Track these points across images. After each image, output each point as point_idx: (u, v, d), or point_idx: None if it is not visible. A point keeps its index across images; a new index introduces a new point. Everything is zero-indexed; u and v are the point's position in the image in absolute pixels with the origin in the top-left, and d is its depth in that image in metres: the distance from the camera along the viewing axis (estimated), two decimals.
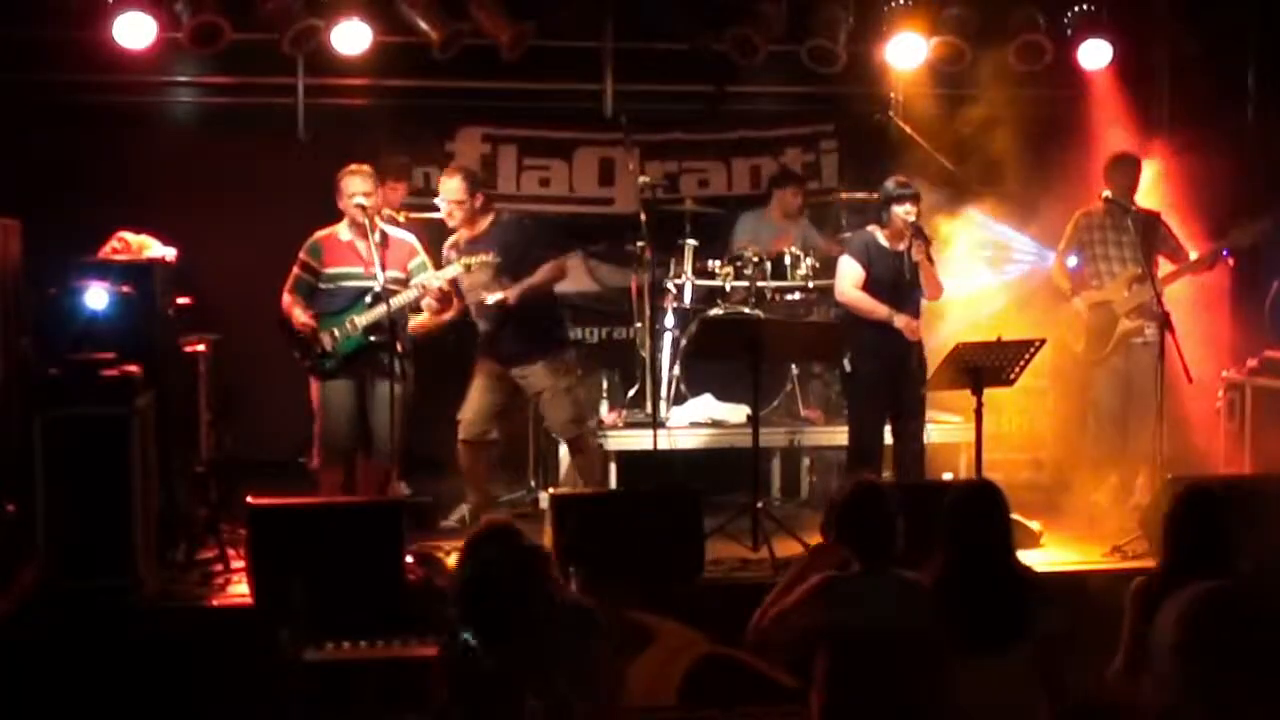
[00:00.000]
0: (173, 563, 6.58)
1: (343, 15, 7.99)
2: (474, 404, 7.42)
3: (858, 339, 7.40)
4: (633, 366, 8.43)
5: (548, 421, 7.62)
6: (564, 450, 7.94)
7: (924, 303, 7.45)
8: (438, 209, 8.85)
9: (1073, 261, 7.97)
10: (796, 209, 9.04)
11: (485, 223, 7.32)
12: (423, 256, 7.22)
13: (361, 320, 6.94)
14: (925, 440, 7.56)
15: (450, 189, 7.24)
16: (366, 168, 7.09)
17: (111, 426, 6.03)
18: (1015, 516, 6.80)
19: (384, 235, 6.99)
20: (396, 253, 7.05)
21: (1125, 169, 7.86)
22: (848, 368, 7.55)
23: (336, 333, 6.97)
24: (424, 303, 7.10)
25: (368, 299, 6.93)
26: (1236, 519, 4.33)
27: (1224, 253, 7.92)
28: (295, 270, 7.07)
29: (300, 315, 6.97)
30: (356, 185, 6.95)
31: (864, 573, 4.34)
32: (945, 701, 4.17)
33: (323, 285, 7.05)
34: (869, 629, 4.20)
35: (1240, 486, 6.57)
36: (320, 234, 7.10)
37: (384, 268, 6.86)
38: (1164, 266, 7.84)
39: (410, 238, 7.27)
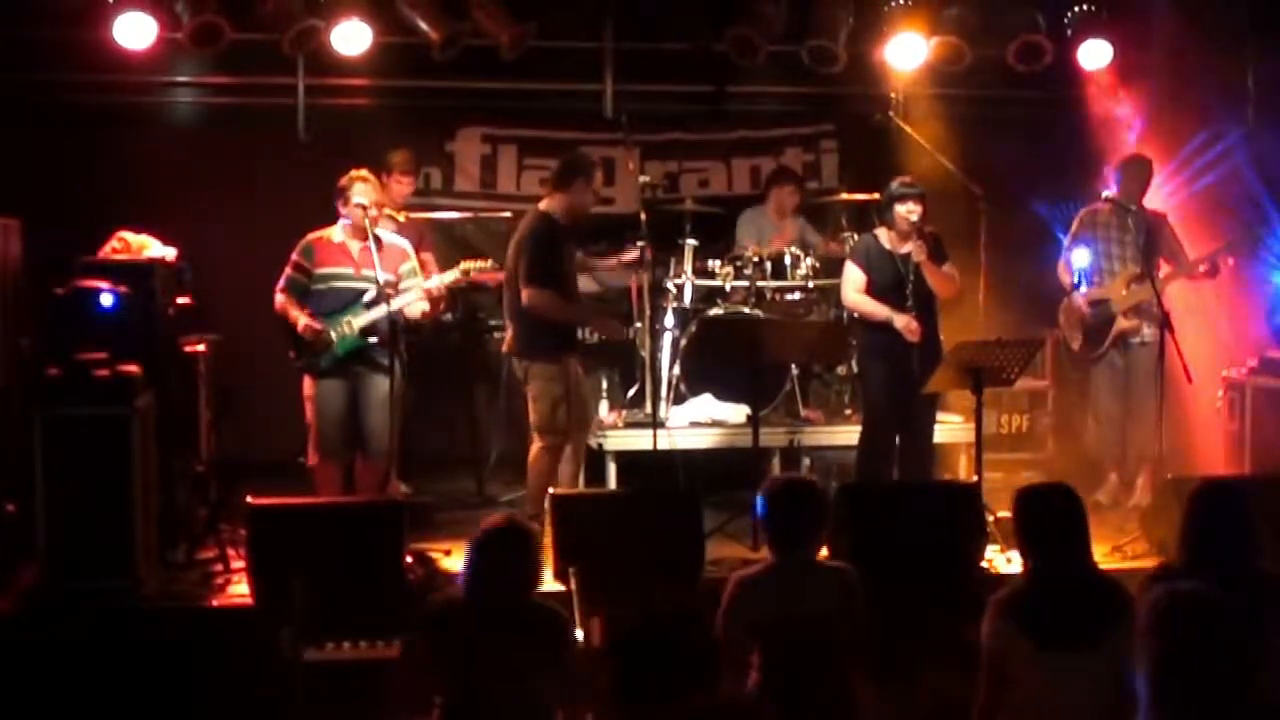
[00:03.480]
0: (173, 563, 6.58)
1: (343, 15, 7.99)
2: (571, 402, 7.23)
3: (864, 341, 7.49)
4: (633, 366, 8.42)
5: (591, 416, 7.60)
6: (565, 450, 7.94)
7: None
8: (438, 208, 8.90)
9: (1085, 259, 7.97)
10: (792, 207, 9.05)
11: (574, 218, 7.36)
12: (413, 262, 7.21)
13: (358, 322, 6.95)
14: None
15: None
16: (373, 177, 7.11)
17: (111, 426, 6.04)
18: None
19: (378, 240, 6.98)
20: (389, 257, 7.05)
21: (1137, 171, 7.88)
22: (854, 369, 7.58)
23: (333, 333, 6.97)
24: (410, 308, 7.08)
25: (365, 299, 6.94)
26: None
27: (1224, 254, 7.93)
28: (288, 271, 7.06)
29: (302, 318, 6.94)
30: (364, 193, 6.93)
31: (775, 566, 4.58)
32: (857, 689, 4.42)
33: (315, 286, 7.04)
34: (774, 617, 4.42)
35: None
36: (313, 235, 7.10)
37: (375, 269, 6.87)
38: (1165, 269, 7.85)
39: (404, 243, 7.26)
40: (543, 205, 7.24)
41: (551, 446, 7.24)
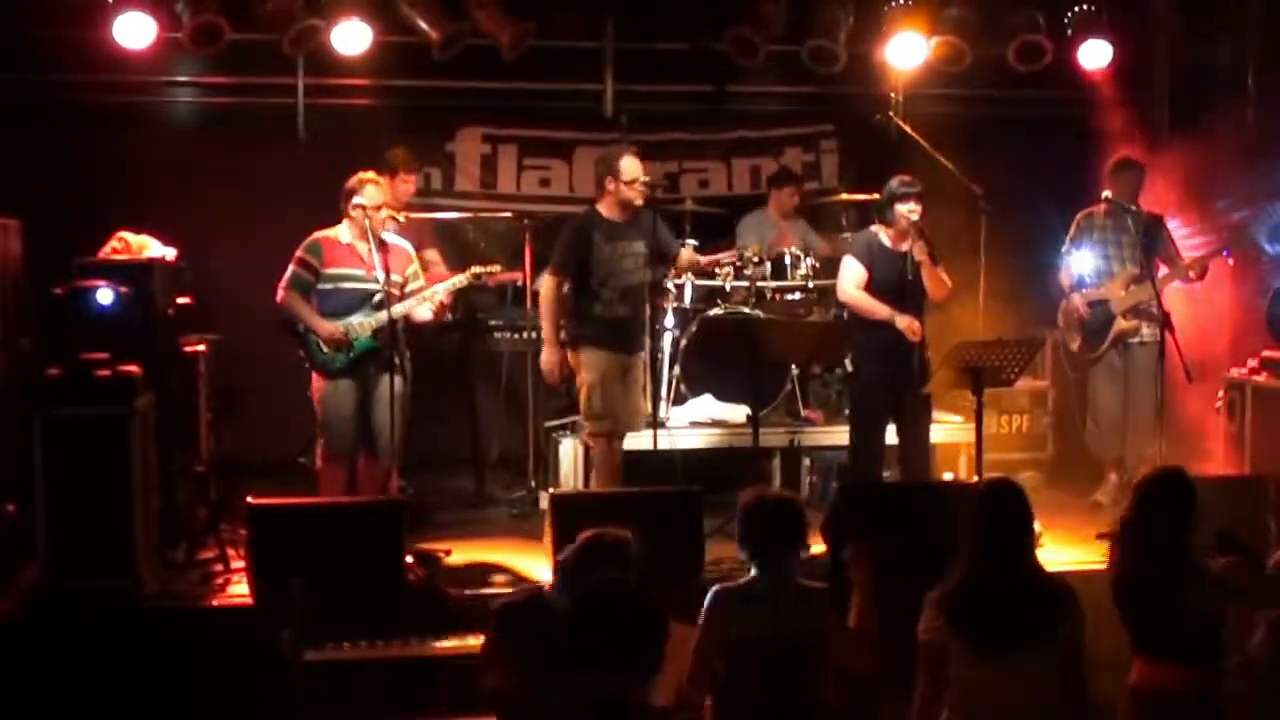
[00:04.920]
0: (173, 563, 6.58)
1: (343, 15, 7.99)
2: (617, 396, 7.19)
3: (859, 340, 7.41)
4: None
5: (635, 413, 7.41)
6: (564, 450, 7.93)
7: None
8: (438, 208, 8.88)
9: (1085, 261, 7.98)
10: (793, 208, 9.05)
11: (632, 211, 7.24)
12: (416, 265, 7.21)
13: (370, 323, 6.93)
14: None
15: (638, 168, 7.18)
16: (383, 180, 7.09)
17: (111, 426, 6.05)
18: None
19: (383, 242, 6.98)
20: (395, 259, 7.04)
21: (1127, 174, 7.86)
22: (849, 368, 7.56)
23: (350, 330, 6.96)
24: (418, 312, 7.07)
25: (374, 301, 6.92)
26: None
27: (1224, 253, 7.94)
28: (293, 268, 7.00)
29: (323, 325, 6.92)
30: (369, 195, 6.91)
31: (754, 582, 4.50)
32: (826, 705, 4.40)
33: (321, 285, 7.00)
34: (755, 636, 4.36)
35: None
36: (320, 234, 7.06)
37: (385, 272, 6.87)
38: (1162, 270, 7.86)
39: (406, 245, 7.24)
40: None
41: (597, 434, 7.28)
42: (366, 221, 6.86)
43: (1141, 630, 4.48)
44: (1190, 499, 4.56)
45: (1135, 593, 4.50)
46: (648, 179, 7.21)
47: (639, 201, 7.16)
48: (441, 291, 7.07)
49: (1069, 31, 8.69)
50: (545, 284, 7.23)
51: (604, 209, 7.22)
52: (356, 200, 6.91)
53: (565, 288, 7.20)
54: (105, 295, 6.42)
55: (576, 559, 4.34)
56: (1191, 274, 7.84)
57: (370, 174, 7.04)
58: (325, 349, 6.94)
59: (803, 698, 4.36)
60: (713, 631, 4.42)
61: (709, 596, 4.49)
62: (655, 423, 7.79)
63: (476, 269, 7.19)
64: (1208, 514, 4.65)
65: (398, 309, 6.88)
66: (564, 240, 7.24)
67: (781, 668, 4.33)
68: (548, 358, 7.25)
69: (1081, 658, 4.23)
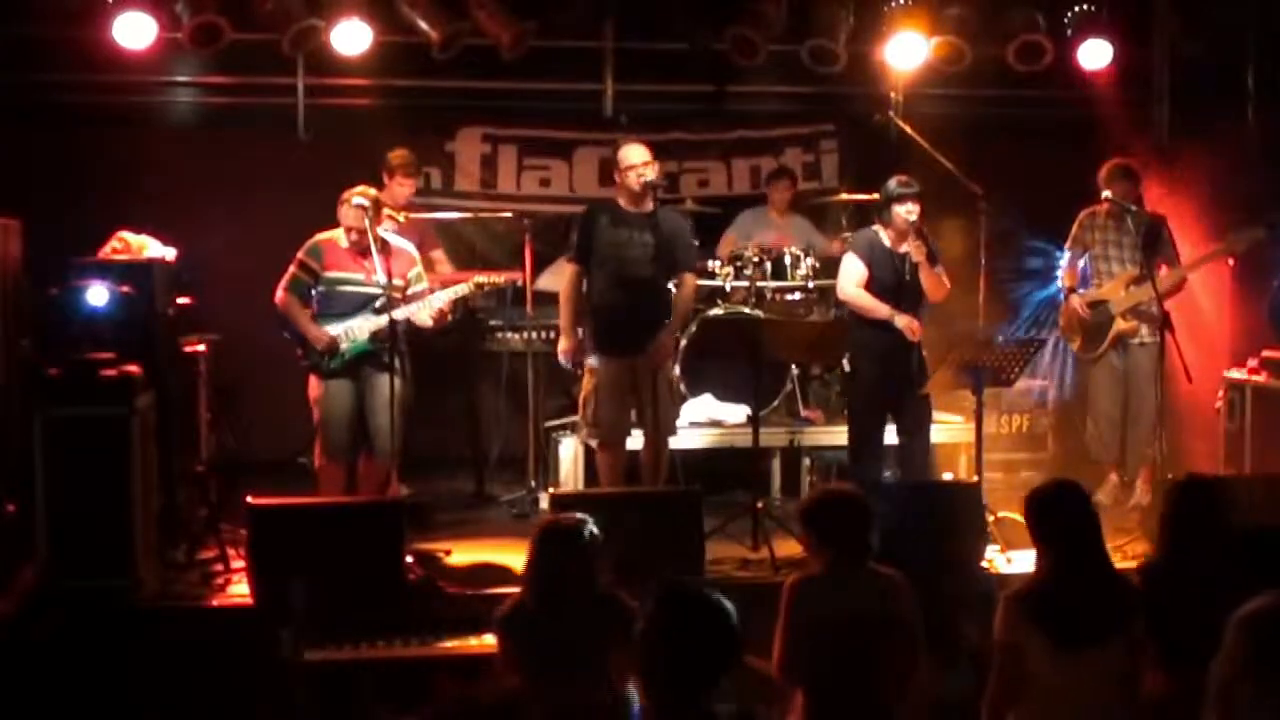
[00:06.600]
0: (173, 563, 6.58)
1: (343, 15, 7.99)
2: (611, 402, 7.15)
3: (858, 339, 7.37)
4: None
5: (660, 421, 7.25)
6: (564, 450, 7.93)
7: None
8: (438, 208, 8.87)
9: (1085, 261, 7.99)
10: (786, 204, 9.05)
11: (650, 202, 7.15)
12: (420, 268, 7.21)
13: (368, 326, 6.93)
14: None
15: (637, 155, 7.10)
16: (372, 191, 7.06)
17: (111, 426, 6.04)
18: (1016, 516, 6.83)
19: (385, 244, 6.97)
20: (397, 261, 7.03)
21: (1122, 182, 7.83)
22: (847, 367, 7.55)
23: (344, 340, 6.96)
24: (419, 315, 7.05)
25: (375, 305, 6.91)
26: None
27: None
28: (292, 269, 7.02)
29: (312, 329, 6.94)
30: (350, 217, 6.89)
31: (830, 572, 4.64)
32: (914, 687, 4.51)
33: (321, 288, 7.02)
34: (840, 619, 4.45)
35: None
36: (321, 236, 7.07)
37: (387, 275, 6.86)
38: (1163, 271, 7.85)
39: (410, 247, 7.24)
40: None
41: (598, 444, 7.24)
42: (355, 236, 6.87)
43: (1170, 636, 4.48)
44: (1225, 504, 4.61)
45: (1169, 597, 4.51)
46: (647, 166, 7.11)
47: (637, 188, 7.08)
48: (442, 299, 7.06)
49: (1069, 31, 8.68)
50: (564, 272, 7.29)
51: (619, 197, 7.22)
52: (351, 225, 6.90)
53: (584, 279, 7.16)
54: (99, 295, 6.42)
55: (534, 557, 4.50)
56: (1191, 275, 7.83)
57: (357, 189, 6.98)
58: (319, 352, 6.96)
59: (892, 678, 4.42)
60: (796, 621, 4.50)
61: (786, 588, 4.60)
62: None
63: (479, 278, 7.20)
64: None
65: (397, 314, 6.88)
66: (576, 227, 7.30)
67: (870, 649, 4.40)
68: (562, 346, 7.24)
69: (1144, 654, 4.29)
